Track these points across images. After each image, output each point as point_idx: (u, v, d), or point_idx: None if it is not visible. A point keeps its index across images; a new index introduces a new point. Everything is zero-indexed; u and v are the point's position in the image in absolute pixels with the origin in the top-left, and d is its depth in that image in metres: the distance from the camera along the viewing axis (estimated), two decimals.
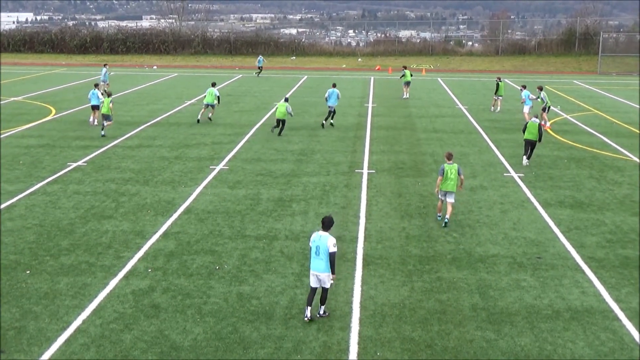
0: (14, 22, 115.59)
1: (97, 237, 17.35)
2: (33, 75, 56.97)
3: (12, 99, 41.66)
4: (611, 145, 29.20)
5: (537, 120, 25.13)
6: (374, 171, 24.22)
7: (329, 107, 32.76)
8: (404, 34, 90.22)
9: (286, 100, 31.05)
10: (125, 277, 14.93)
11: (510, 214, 19.55)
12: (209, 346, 11.99)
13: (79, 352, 11.74)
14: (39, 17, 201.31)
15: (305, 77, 58.11)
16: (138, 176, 23.31)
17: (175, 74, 60.14)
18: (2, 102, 39.84)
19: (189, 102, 40.94)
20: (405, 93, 43.83)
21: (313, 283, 12.84)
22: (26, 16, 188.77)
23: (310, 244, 12.91)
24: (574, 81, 56.79)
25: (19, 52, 78.79)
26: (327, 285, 12.81)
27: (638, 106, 41.39)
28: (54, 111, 37.00)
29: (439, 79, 57.03)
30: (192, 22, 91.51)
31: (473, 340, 12.29)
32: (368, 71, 65.71)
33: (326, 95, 33.06)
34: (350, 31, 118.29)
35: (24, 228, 17.98)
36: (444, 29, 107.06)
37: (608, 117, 36.99)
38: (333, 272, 12.67)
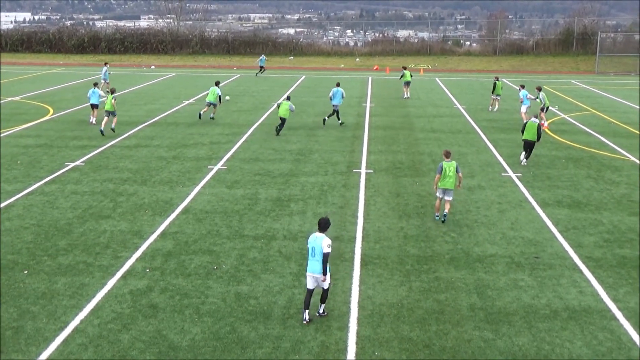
0: (11, 22, 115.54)
1: (95, 237, 17.34)
2: (31, 75, 56.91)
3: (10, 98, 41.61)
4: (609, 145, 29.23)
5: (537, 121, 25.06)
6: (372, 171, 24.22)
7: (333, 106, 32.87)
8: (402, 33, 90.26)
9: (288, 98, 31.57)
10: (123, 277, 14.92)
11: (508, 213, 19.56)
12: (207, 346, 11.98)
13: (77, 352, 11.73)
14: (36, 17, 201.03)
15: (303, 77, 58.12)
16: (136, 176, 23.30)
17: (173, 74, 60.12)
18: (0, 102, 39.86)
19: (187, 102, 40.93)
20: (405, 93, 43.91)
21: (309, 284, 12.82)
22: (24, 16, 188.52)
23: (307, 245, 12.90)
24: (572, 81, 56.85)
25: (16, 51, 78.73)
26: (325, 286, 12.80)
27: (635, 106, 41.45)
28: (51, 111, 36.97)
29: (437, 79, 57.05)
30: (190, 22, 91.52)
31: (471, 340, 12.30)
32: (366, 71, 65.72)
33: (330, 94, 33.21)
34: (348, 31, 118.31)
35: (22, 228, 17.96)
36: (442, 29, 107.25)
37: (606, 117, 37.02)
38: (324, 273, 12.57)
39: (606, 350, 11.98)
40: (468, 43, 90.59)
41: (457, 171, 18.57)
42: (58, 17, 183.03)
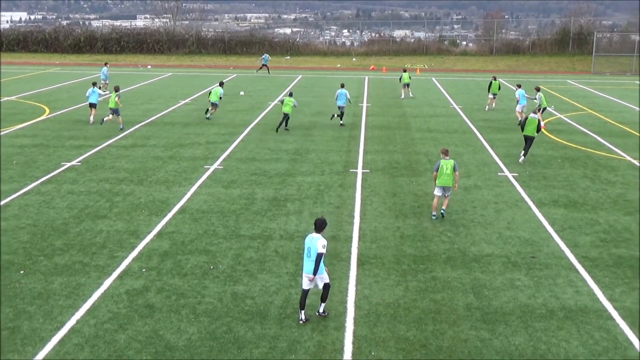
0: (7, 22, 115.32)
1: (91, 237, 17.31)
2: (27, 75, 56.81)
3: (6, 98, 41.52)
4: (605, 144, 29.27)
5: (536, 116, 25.54)
6: (368, 171, 24.23)
7: (338, 107, 33.14)
8: (399, 33, 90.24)
9: (290, 95, 32.27)
10: (120, 277, 14.91)
11: (505, 213, 19.58)
12: (203, 346, 11.97)
13: (73, 352, 11.72)
14: (32, 17, 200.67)
15: (300, 76, 58.10)
16: (132, 176, 23.27)
17: (170, 74, 60.06)
18: (0, 101, 39.76)
19: (183, 102, 40.89)
20: (403, 94, 43.93)
21: (305, 285, 12.79)
22: (20, 15, 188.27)
23: (304, 245, 12.89)
24: (568, 81, 56.92)
25: (12, 51, 78.55)
26: (320, 286, 12.77)
27: (632, 105, 41.52)
28: (47, 111, 36.91)
29: (433, 79, 57.08)
30: (187, 22, 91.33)
31: (467, 339, 12.31)
32: (362, 71, 65.73)
33: (335, 95, 33.60)
34: (345, 31, 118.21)
35: (18, 228, 17.93)
36: (438, 29, 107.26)
37: (602, 116, 37.08)
38: (314, 273, 12.49)
39: (602, 350, 12.00)
40: (464, 43, 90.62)
41: (454, 169, 18.64)
42: (54, 17, 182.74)
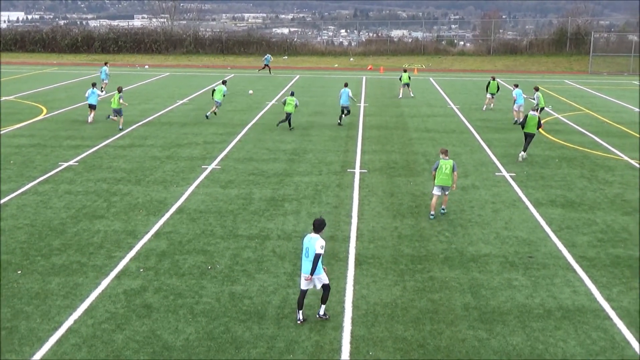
0: (5, 22, 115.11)
1: (89, 237, 17.30)
2: (24, 75, 56.74)
3: (4, 98, 41.45)
4: (602, 144, 29.31)
5: (535, 113, 25.97)
6: (366, 171, 24.24)
7: (342, 106, 33.34)
8: (396, 33, 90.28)
9: (292, 94, 32.50)
10: (117, 277, 14.90)
11: (502, 213, 19.60)
12: (201, 346, 11.97)
13: (71, 352, 11.71)
14: (30, 16, 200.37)
15: (298, 76, 58.09)
16: (130, 176, 23.26)
17: (167, 74, 60.02)
18: (0, 100, 39.72)
19: (181, 102, 40.88)
20: (401, 93, 44.06)
21: (303, 285, 12.78)
22: (17, 15, 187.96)
23: (302, 245, 12.89)
24: (565, 81, 56.97)
25: (10, 51, 78.40)
26: (318, 287, 12.77)
27: (629, 105, 41.56)
28: (45, 111, 36.87)
29: (431, 79, 57.10)
30: (184, 22, 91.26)
31: (465, 339, 12.32)
32: (360, 70, 65.74)
33: (339, 95, 33.88)
34: (342, 31, 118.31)
35: (15, 228, 17.91)
36: (436, 29, 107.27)
37: (599, 116, 37.12)
38: (311, 274, 12.46)
39: (600, 350, 12.01)
40: (462, 43, 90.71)
41: (453, 169, 18.70)
42: (51, 17, 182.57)
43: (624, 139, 30.70)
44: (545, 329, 12.70)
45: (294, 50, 78.25)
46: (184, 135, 30.40)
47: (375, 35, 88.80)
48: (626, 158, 26.73)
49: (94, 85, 33.87)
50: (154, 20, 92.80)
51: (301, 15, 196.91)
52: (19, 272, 15.07)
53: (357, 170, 24.24)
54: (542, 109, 33.46)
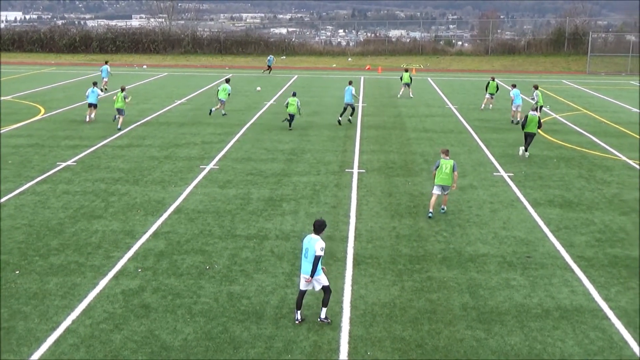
0: (2, 21, 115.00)
1: (87, 237, 17.29)
2: (22, 75, 56.69)
3: (2, 98, 41.41)
4: (600, 144, 29.33)
5: (535, 113, 26.19)
6: (364, 171, 24.24)
7: (347, 104, 33.47)
8: (394, 33, 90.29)
9: (294, 95, 32.56)
10: (115, 277, 14.89)
11: (500, 213, 19.61)
12: (199, 346, 11.96)
13: (69, 352, 11.70)
14: (27, 16, 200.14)
15: (296, 76, 58.09)
16: (128, 176, 23.25)
17: (165, 74, 60.00)
18: (0, 100, 39.67)
19: (179, 102, 40.86)
20: (401, 92, 44.26)
21: (302, 286, 12.77)
22: (15, 15, 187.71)
23: (302, 245, 12.88)
24: (563, 81, 57.02)
25: (7, 51, 78.35)
26: (317, 289, 12.74)
27: (626, 105, 41.61)
28: (43, 110, 36.84)
29: (429, 79, 57.13)
30: (182, 22, 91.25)
31: (463, 339, 12.32)
32: (358, 70, 65.74)
33: (344, 93, 34.10)
34: (340, 31, 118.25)
35: (13, 228, 17.89)
36: (434, 29, 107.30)
37: (597, 116, 37.15)
38: (311, 275, 12.47)
39: (597, 350, 12.02)
40: (460, 43, 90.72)
41: (453, 169, 18.74)
42: (49, 17, 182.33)
43: (621, 139, 30.72)
44: (544, 329, 12.71)
45: (292, 50, 78.27)
46: (182, 135, 30.39)
47: (373, 35, 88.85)
48: (624, 158, 26.75)
49: (95, 84, 33.90)
50: (152, 20, 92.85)
51: (299, 15, 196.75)
52: (17, 272, 15.06)
53: (355, 170, 24.24)
54: (542, 107, 33.53)
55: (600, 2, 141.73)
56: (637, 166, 25.39)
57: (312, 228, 12.74)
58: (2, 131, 30.64)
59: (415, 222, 18.74)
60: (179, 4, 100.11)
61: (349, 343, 12.13)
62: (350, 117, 33.86)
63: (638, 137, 31.11)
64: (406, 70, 45.23)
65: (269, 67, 59.50)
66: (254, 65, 66.21)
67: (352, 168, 24.60)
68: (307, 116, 35.69)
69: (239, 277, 14.89)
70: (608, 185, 22.81)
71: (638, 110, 39.46)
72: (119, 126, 31.38)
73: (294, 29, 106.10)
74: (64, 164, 24.68)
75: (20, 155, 26.05)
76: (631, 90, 50.89)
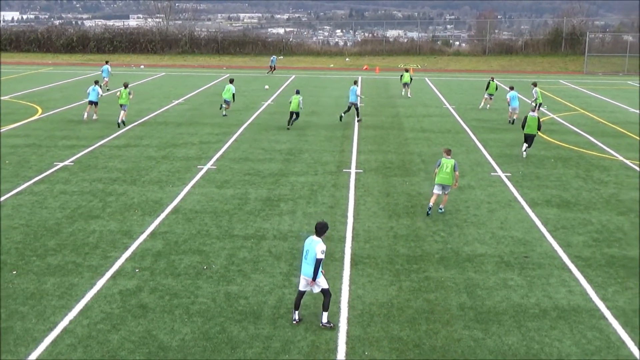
0: (0, 21, 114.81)
1: (84, 237, 17.27)
2: (19, 75, 56.62)
3: (1, 98, 41.41)
4: (597, 144, 29.36)
5: (535, 114, 26.24)
6: (361, 171, 24.24)
7: (351, 103, 33.75)
8: (392, 33, 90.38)
9: (297, 92, 32.77)
10: (113, 277, 14.87)
11: (498, 213, 19.62)
12: (196, 346, 11.96)
13: (66, 352, 11.69)
14: (25, 16, 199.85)
15: (293, 76, 58.08)
16: (125, 176, 23.23)
17: (163, 74, 59.96)
18: (0, 99, 39.62)
19: (177, 102, 40.84)
20: (403, 91, 44.50)
21: (302, 286, 12.76)
22: (12, 15, 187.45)
23: (303, 247, 12.85)
24: (561, 81, 57.07)
25: (4, 51, 78.23)
26: (316, 291, 12.72)
27: (624, 105, 41.66)
28: (40, 111, 36.79)
29: (427, 79, 57.15)
30: (180, 22, 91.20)
31: (461, 339, 12.32)
32: (355, 71, 65.75)
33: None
34: (338, 31, 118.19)
35: (11, 228, 17.86)
36: (431, 29, 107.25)
37: (594, 116, 37.19)
38: (313, 279, 12.44)
39: (595, 349, 12.03)
40: (457, 43, 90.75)
41: (454, 169, 18.79)
42: (47, 17, 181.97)
43: (619, 139, 30.76)
44: (541, 329, 12.72)
45: (290, 50, 78.30)
46: (179, 135, 30.37)
47: (370, 35, 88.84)
48: (621, 158, 26.78)
49: (96, 82, 33.95)
50: (150, 20, 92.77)
51: (297, 15, 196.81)
52: (14, 272, 15.04)
53: (353, 170, 24.24)
54: (540, 104, 33.60)
55: (598, 2, 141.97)
56: (635, 166, 25.42)
57: (314, 230, 12.72)
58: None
59: (413, 222, 18.74)
60: (177, 4, 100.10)
61: (347, 343, 12.13)
62: (357, 119, 34.16)
63: (636, 137, 31.13)
64: (406, 70, 45.36)
65: (273, 67, 59.61)
66: (251, 65, 66.22)
67: (350, 168, 24.61)
68: (305, 116, 35.66)
69: (236, 277, 14.88)
70: (605, 185, 22.83)
71: (635, 110, 39.50)
72: (120, 120, 31.51)
73: (292, 29, 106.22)
74: (61, 164, 24.65)
75: (18, 155, 26.02)
76: (628, 90, 50.96)
